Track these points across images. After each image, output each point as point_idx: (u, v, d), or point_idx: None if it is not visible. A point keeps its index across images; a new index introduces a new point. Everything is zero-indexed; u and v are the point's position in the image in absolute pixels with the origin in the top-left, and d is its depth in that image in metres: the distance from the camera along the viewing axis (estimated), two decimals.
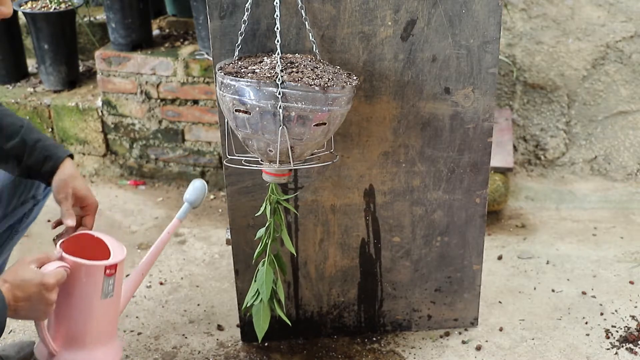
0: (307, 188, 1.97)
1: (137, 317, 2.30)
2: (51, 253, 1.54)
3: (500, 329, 2.20)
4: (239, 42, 1.73)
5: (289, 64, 1.64)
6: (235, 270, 2.06)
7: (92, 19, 3.43)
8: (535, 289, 2.40)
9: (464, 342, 2.15)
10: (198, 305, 2.36)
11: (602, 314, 2.25)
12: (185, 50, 3.00)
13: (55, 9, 3.09)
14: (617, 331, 2.18)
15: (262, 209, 1.80)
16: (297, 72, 1.60)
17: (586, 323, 2.22)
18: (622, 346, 2.11)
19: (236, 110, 1.60)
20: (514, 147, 3.22)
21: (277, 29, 1.65)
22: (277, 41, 1.64)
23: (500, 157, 2.86)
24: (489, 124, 1.92)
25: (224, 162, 1.84)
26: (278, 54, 1.63)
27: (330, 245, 2.05)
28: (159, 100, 2.99)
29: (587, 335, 2.17)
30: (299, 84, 1.56)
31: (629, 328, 2.18)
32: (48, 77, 3.21)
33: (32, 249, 2.63)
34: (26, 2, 3.15)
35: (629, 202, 3.01)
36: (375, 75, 1.83)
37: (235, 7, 1.75)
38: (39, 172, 1.73)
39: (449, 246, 2.07)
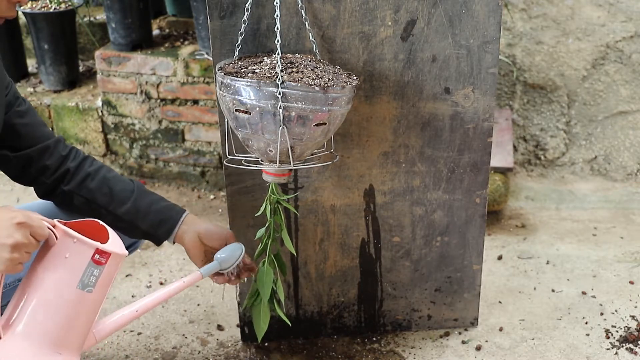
0: (307, 188, 1.97)
1: None
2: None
3: (500, 329, 2.20)
4: (239, 42, 1.73)
5: (289, 64, 1.64)
6: None
7: (92, 19, 3.43)
8: (535, 289, 2.40)
9: (463, 342, 2.15)
10: (198, 305, 2.36)
11: (602, 314, 2.25)
12: (185, 50, 3.00)
13: (55, 9, 3.10)
14: (617, 331, 2.17)
15: (262, 209, 1.79)
16: (297, 72, 1.60)
17: (586, 323, 2.22)
18: (622, 346, 2.11)
19: (236, 110, 1.60)
20: (514, 147, 3.22)
21: (277, 29, 1.65)
22: (277, 41, 1.64)
23: (500, 157, 2.86)
24: (489, 124, 1.92)
25: (224, 162, 1.84)
26: (278, 54, 1.63)
27: (330, 245, 2.05)
28: (159, 100, 2.99)
29: (587, 335, 2.17)
30: (299, 84, 1.56)
31: (629, 328, 2.18)
32: (48, 77, 3.21)
33: None
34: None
35: (629, 202, 3.01)
36: (375, 75, 1.83)
37: (235, 7, 1.75)
38: (155, 235, 1.78)
39: (449, 246, 2.07)
